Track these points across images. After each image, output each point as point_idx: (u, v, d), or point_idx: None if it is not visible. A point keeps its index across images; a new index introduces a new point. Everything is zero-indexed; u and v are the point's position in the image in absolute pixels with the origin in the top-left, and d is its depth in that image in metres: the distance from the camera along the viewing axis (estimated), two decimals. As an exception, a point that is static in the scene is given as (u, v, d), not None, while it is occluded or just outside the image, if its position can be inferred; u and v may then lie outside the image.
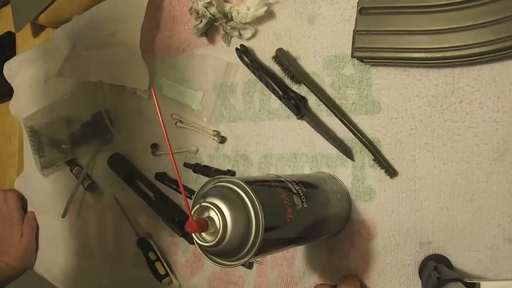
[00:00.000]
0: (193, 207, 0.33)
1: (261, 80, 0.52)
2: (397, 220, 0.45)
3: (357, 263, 0.47)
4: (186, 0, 0.60)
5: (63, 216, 0.76)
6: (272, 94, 0.52)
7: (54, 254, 0.81)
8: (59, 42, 0.73)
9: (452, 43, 0.39)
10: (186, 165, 0.60)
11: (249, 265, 0.55)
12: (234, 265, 0.33)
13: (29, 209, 0.86)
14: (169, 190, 0.64)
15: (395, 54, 0.42)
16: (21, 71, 0.84)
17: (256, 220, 0.32)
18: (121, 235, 0.70)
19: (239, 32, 0.54)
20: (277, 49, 0.50)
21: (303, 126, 0.50)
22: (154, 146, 0.65)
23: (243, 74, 0.55)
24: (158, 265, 0.63)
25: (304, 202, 0.38)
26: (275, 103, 0.52)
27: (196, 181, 0.60)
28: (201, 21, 0.54)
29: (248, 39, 0.54)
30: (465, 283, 0.35)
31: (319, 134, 0.49)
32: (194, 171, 0.59)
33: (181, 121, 0.61)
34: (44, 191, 0.81)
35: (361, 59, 0.45)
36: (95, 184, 0.74)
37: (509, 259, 0.39)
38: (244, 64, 0.53)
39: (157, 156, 0.65)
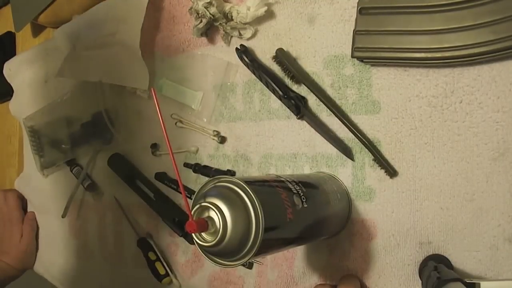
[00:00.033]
0: (193, 207, 0.33)
1: (261, 80, 0.52)
2: (397, 220, 0.45)
3: (357, 263, 0.47)
4: (186, 0, 0.60)
5: (63, 216, 0.76)
6: (272, 94, 0.52)
7: (54, 254, 0.81)
8: (59, 42, 0.73)
9: (452, 43, 0.39)
10: (186, 165, 0.60)
11: (249, 265, 0.55)
12: (234, 265, 0.33)
13: (29, 209, 0.86)
14: (169, 190, 0.64)
15: (395, 54, 0.42)
16: (21, 71, 0.84)
17: (256, 220, 0.32)
18: (121, 235, 0.70)
19: (239, 32, 0.54)
20: (277, 49, 0.50)
21: (303, 126, 0.50)
22: (154, 146, 0.65)
23: (243, 74, 0.55)
24: (158, 265, 0.63)
25: (304, 202, 0.38)
26: (275, 103, 0.52)
27: (196, 181, 0.60)
28: (201, 21, 0.54)
29: (248, 39, 0.54)
30: (465, 283, 0.35)
31: (319, 134, 0.49)
32: (194, 171, 0.59)
33: (181, 121, 0.61)
34: (44, 191, 0.81)
35: (361, 59, 0.45)
36: (95, 184, 0.74)
37: (509, 259, 0.39)
38: (244, 64, 0.53)
39: (157, 156, 0.65)
